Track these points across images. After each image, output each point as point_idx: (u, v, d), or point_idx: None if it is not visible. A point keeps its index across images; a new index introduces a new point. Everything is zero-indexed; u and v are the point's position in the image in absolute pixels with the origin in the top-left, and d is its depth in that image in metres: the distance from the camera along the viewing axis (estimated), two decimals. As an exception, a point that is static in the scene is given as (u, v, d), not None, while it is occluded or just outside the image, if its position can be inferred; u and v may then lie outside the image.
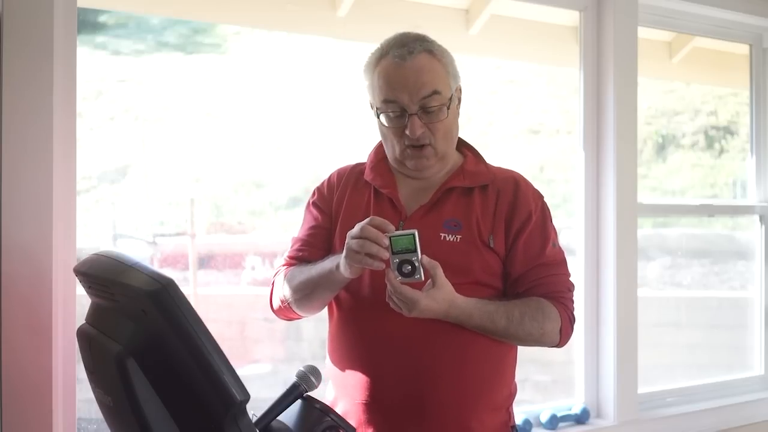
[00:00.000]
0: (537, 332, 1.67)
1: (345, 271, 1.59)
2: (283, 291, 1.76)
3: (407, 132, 1.66)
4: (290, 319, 1.86)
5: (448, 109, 1.68)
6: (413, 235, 1.51)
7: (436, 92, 1.66)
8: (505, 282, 1.73)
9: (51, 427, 1.85)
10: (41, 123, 1.85)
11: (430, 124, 1.67)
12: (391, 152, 1.74)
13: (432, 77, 1.67)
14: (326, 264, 1.67)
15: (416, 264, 1.51)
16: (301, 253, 1.79)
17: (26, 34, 1.84)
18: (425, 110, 1.66)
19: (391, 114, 1.68)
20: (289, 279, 1.75)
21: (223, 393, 1.17)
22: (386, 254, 1.51)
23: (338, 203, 1.79)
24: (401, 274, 1.51)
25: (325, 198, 1.82)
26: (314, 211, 1.82)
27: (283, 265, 1.83)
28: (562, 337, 1.73)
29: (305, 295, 1.72)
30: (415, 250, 1.50)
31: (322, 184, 1.85)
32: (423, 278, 1.52)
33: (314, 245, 1.79)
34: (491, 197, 1.72)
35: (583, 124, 2.82)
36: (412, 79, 1.65)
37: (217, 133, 2.97)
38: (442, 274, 1.54)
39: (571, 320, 1.75)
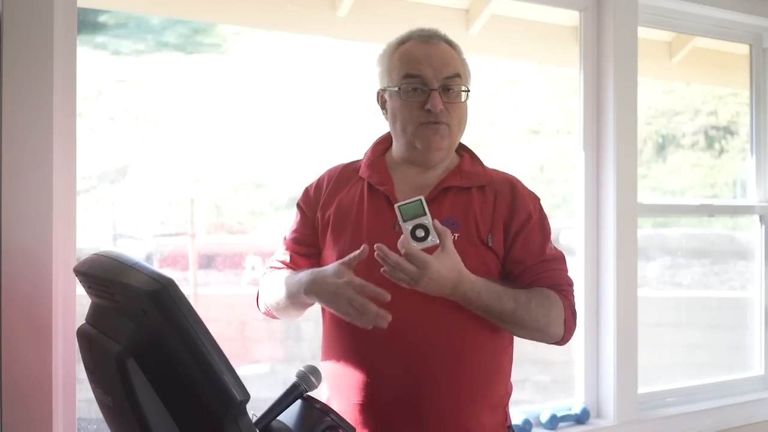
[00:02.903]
0: (543, 320, 1.66)
1: (321, 303, 1.64)
2: (264, 300, 1.82)
3: (428, 106, 1.67)
4: (277, 318, 1.89)
5: (466, 95, 1.72)
6: (420, 200, 1.53)
7: (458, 75, 1.70)
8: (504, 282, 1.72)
9: (51, 427, 1.85)
10: (41, 123, 1.85)
11: (450, 104, 1.68)
12: (403, 132, 1.72)
13: (455, 61, 1.72)
14: (293, 287, 1.69)
15: (429, 227, 1.52)
16: (285, 257, 1.84)
17: (26, 34, 1.84)
18: (446, 89, 1.69)
19: (410, 89, 1.69)
20: (267, 289, 1.80)
21: (223, 393, 1.17)
22: (372, 308, 1.53)
23: (326, 205, 1.79)
24: (415, 239, 1.52)
25: (310, 200, 1.83)
26: (298, 214, 1.85)
27: (270, 267, 1.86)
28: (566, 331, 1.72)
29: (280, 309, 1.78)
30: (426, 214, 1.52)
31: (311, 184, 1.86)
32: (438, 240, 1.53)
33: (297, 250, 1.82)
34: (489, 197, 1.72)
35: (583, 124, 2.82)
36: (437, 57, 1.69)
37: (217, 133, 2.96)
38: (451, 241, 1.55)
39: (574, 313, 1.74)
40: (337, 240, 1.72)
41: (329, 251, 1.74)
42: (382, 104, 1.78)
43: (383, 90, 1.76)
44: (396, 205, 1.53)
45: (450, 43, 1.74)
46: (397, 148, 1.78)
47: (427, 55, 1.69)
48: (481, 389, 1.68)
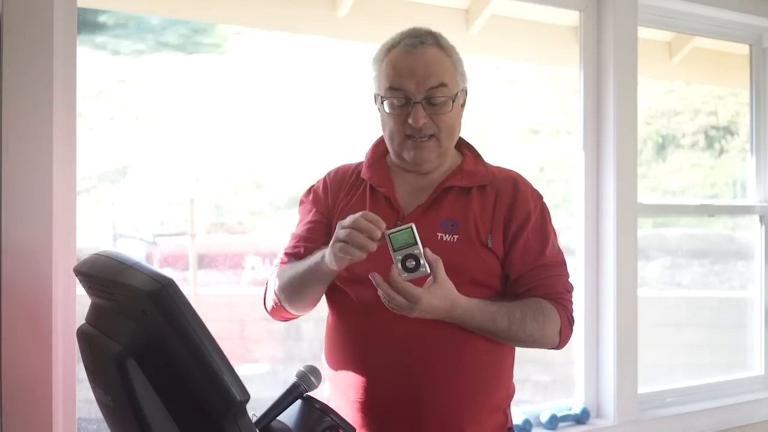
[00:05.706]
0: (537, 334, 1.66)
1: (330, 263, 1.56)
2: (275, 289, 1.75)
3: (410, 121, 1.64)
4: (285, 320, 1.84)
5: (453, 103, 1.67)
6: (411, 228, 1.50)
7: (443, 84, 1.65)
8: (504, 283, 1.72)
9: (51, 427, 1.85)
10: (41, 123, 1.85)
11: (435, 116, 1.66)
12: (390, 142, 1.72)
13: (440, 69, 1.66)
14: (313, 257, 1.65)
15: (419, 257, 1.49)
16: (296, 249, 1.77)
17: (26, 34, 1.84)
18: (430, 101, 1.65)
19: (395, 101, 1.66)
20: (279, 276, 1.74)
21: (223, 393, 1.17)
22: (373, 245, 1.49)
23: (332, 205, 1.77)
24: (406, 269, 1.49)
25: (320, 198, 1.81)
26: (310, 207, 1.81)
27: (280, 263, 1.81)
28: (561, 339, 1.72)
29: (294, 290, 1.70)
30: (416, 243, 1.49)
31: (317, 184, 1.84)
32: (429, 270, 1.50)
33: (312, 240, 1.76)
34: (490, 197, 1.71)
35: (583, 124, 2.81)
36: (420, 69, 1.65)
37: (217, 133, 2.96)
38: (443, 270, 1.53)
39: (570, 321, 1.73)
40: None
41: None
42: (379, 107, 1.77)
43: (376, 96, 1.75)
44: (387, 233, 1.49)
45: (440, 46, 1.69)
46: (390, 153, 1.78)
47: (410, 67, 1.65)
48: (482, 392, 1.67)
